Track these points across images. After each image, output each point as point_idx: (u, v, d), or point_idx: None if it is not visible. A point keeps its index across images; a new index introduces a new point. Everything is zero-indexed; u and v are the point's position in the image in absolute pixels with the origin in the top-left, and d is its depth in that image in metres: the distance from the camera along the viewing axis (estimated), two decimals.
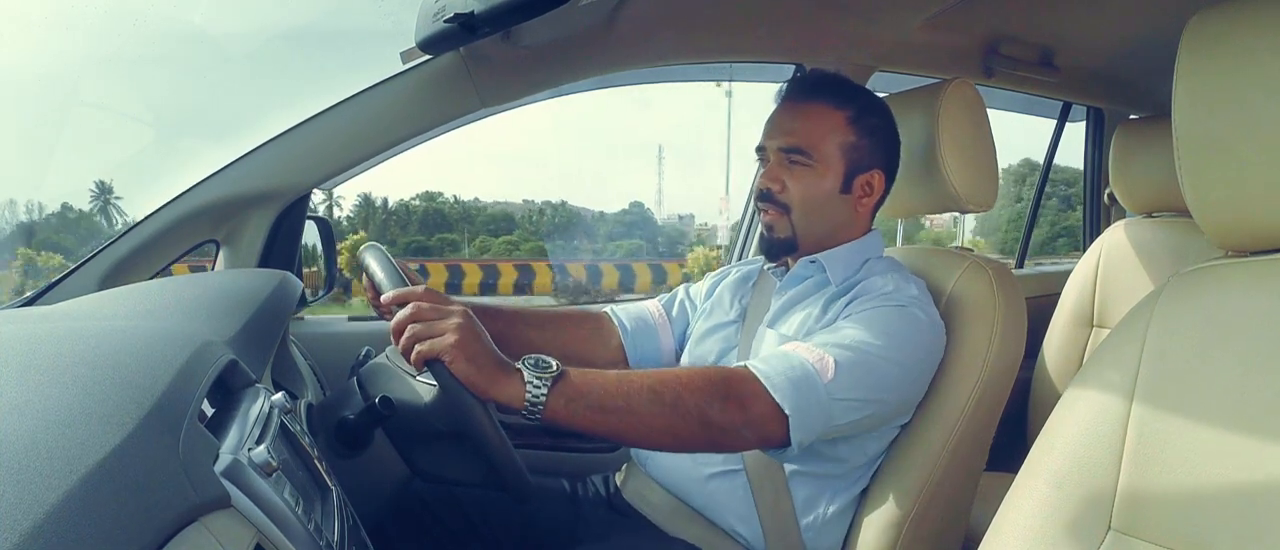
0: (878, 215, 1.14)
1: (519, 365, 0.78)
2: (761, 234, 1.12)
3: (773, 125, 1.08)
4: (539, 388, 0.77)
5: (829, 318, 0.99)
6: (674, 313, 1.26)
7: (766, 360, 0.89)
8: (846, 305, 0.99)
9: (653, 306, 1.27)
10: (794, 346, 0.91)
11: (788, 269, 1.14)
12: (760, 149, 1.10)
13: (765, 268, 1.19)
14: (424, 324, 0.77)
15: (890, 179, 1.10)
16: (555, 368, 0.79)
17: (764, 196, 1.07)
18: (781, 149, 1.05)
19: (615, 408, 0.80)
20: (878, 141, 1.07)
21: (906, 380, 0.95)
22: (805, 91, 1.08)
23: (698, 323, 1.21)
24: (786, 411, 0.85)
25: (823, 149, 1.04)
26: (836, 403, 0.88)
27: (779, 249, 1.09)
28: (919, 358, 0.96)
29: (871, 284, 1.00)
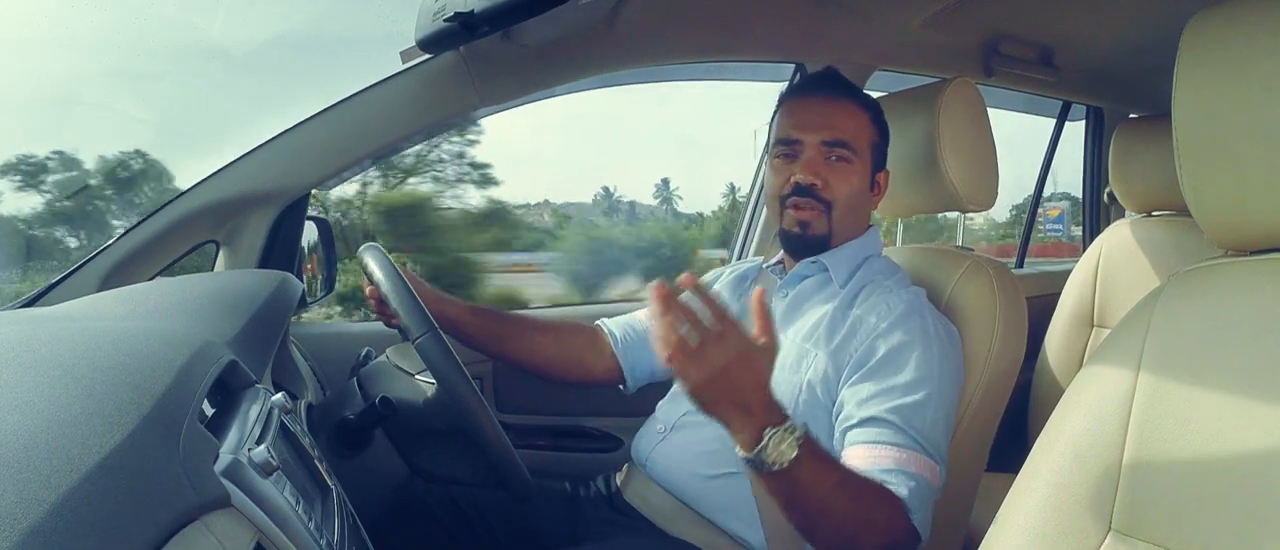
0: (876, 215, 1.15)
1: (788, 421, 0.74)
2: (787, 232, 1.06)
3: (804, 118, 1.04)
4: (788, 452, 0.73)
5: (850, 327, 0.98)
6: None
7: (908, 491, 0.85)
8: (859, 312, 0.98)
9: (644, 315, 1.24)
10: (908, 459, 0.87)
11: (785, 269, 1.14)
12: (788, 142, 1.04)
13: (764, 266, 1.18)
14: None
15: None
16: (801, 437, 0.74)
17: (804, 192, 1.02)
18: (825, 143, 1.02)
19: (811, 507, 0.79)
20: (886, 141, 1.10)
21: (956, 400, 0.96)
22: (836, 89, 1.06)
23: None
24: (920, 532, 0.86)
25: (859, 144, 1.04)
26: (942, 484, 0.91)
27: (810, 247, 1.06)
28: (959, 374, 0.97)
29: (881, 301, 0.98)
